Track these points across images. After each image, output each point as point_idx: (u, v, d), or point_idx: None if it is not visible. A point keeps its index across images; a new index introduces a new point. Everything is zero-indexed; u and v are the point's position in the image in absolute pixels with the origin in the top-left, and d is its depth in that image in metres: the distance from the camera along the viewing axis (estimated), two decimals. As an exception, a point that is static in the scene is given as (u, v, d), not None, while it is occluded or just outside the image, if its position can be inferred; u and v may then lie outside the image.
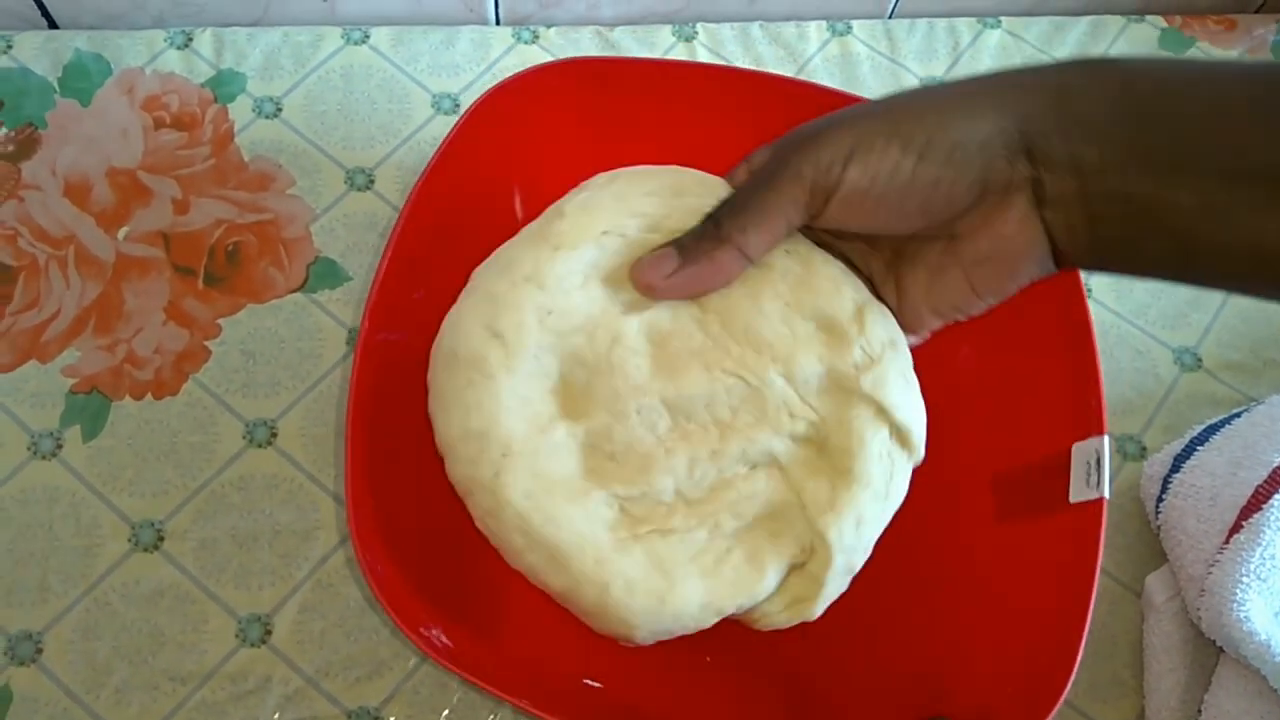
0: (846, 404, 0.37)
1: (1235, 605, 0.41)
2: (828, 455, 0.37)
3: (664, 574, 0.36)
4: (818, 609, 0.37)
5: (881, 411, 0.37)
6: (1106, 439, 0.41)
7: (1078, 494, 0.40)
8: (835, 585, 0.37)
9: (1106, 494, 0.40)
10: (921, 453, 0.39)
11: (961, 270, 0.36)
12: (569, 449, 0.37)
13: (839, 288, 0.38)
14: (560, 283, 0.37)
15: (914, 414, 0.38)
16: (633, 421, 0.37)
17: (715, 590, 0.36)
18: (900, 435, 0.38)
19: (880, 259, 0.39)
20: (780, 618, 0.37)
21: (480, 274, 0.39)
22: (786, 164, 0.35)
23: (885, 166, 0.33)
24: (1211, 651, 0.44)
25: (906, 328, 0.39)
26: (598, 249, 0.37)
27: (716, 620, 0.37)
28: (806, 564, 0.37)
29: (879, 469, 0.37)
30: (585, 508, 0.36)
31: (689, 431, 0.37)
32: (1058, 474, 0.42)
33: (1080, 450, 0.41)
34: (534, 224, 0.39)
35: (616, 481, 0.37)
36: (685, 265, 0.36)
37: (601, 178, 0.39)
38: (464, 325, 0.37)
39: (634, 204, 0.38)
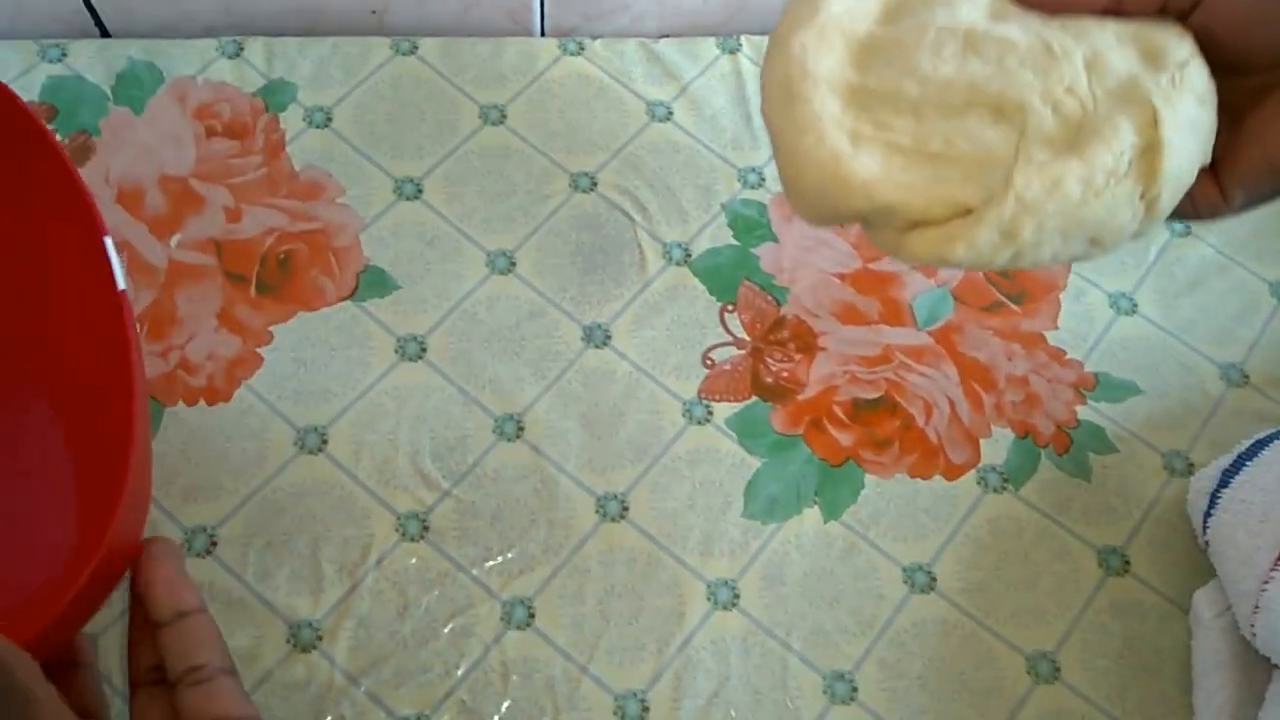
0: (1124, 112, 0.35)
1: (1267, 598, 0.40)
2: (1072, 143, 0.35)
3: (860, 138, 0.35)
4: (959, 257, 0.35)
5: (1151, 123, 0.34)
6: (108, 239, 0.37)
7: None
8: (988, 235, 0.35)
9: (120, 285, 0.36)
10: (1163, 206, 0.35)
11: None
12: (865, 29, 0.37)
13: (1183, 40, 0.35)
14: None
15: (1178, 154, 0.35)
16: (928, 32, 0.36)
17: (888, 175, 0.35)
18: (1151, 160, 0.35)
19: (1236, 101, 0.36)
20: (921, 249, 0.36)
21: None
22: None
23: None
24: (1264, 667, 0.44)
25: (1229, 177, 0.36)
26: None
27: (870, 209, 0.35)
28: (977, 211, 0.35)
29: (1105, 164, 0.34)
30: (839, 74, 0.36)
31: (967, 60, 0.36)
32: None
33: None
34: None
35: (875, 74, 0.36)
36: None
37: None
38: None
39: None
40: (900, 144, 0.35)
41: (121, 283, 0.36)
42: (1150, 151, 0.34)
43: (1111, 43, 0.36)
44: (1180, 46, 0.35)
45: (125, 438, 0.33)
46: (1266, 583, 0.43)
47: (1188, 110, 0.34)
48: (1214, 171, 0.36)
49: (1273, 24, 0.33)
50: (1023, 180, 0.34)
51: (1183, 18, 0.35)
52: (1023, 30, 0.36)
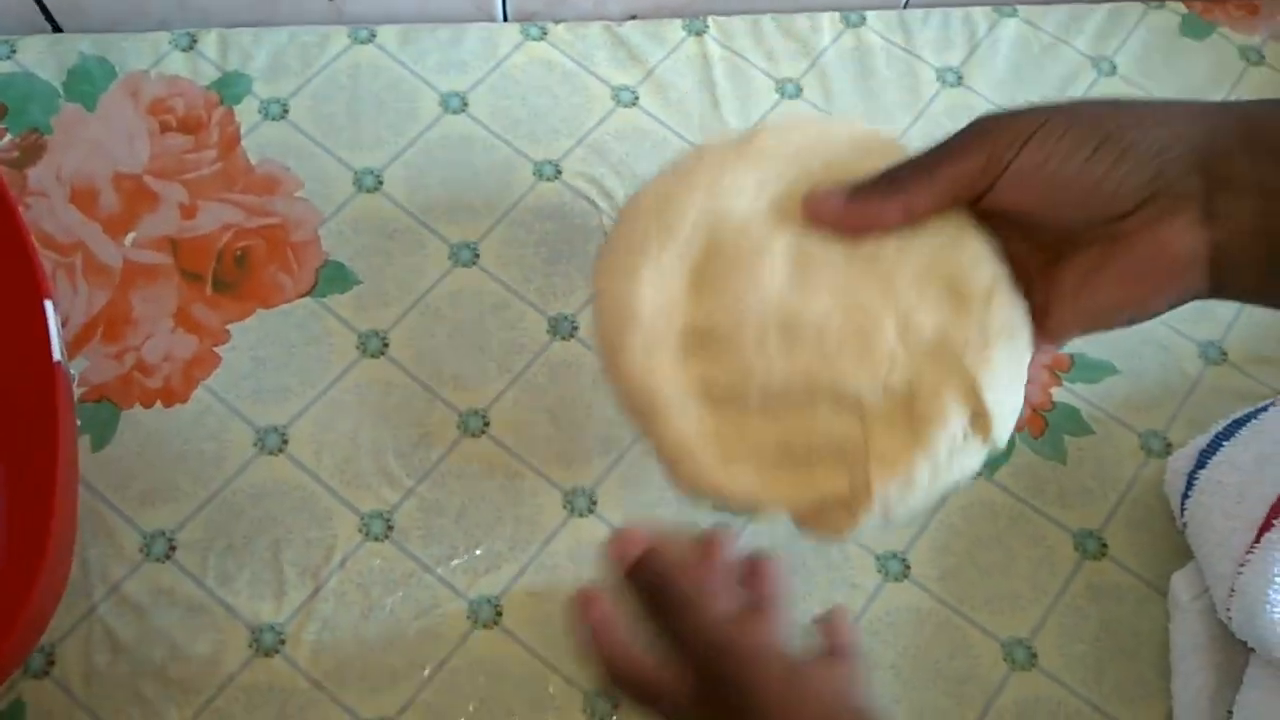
0: (945, 372, 0.37)
1: (1269, 607, 0.40)
2: (910, 415, 0.37)
3: (729, 449, 0.37)
4: (845, 537, 0.40)
5: (973, 393, 0.37)
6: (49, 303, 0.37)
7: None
8: (864, 525, 0.38)
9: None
10: (1001, 444, 0.38)
11: (1115, 275, 0.35)
12: (681, 321, 0.38)
13: (979, 263, 0.38)
14: (732, 188, 0.39)
15: (1004, 407, 0.38)
16: (746, 322, 0.38)
17: (764, 484, 0.38)
18: (981, 422, 0.37)
19: (1037, 258, 0.38)
20: (811, 537, 0.38)
21: (660, 178, 0.40)
22: (969, 136, 0.36)
23: (1060, 150, 0.34)
24: (1241, 650, 0.43)
25: (1048, 333, 0.38)
26: (778, 172, 0.39)
27: (751, 510, 0.39)
28: (850, 501, 0.38)
29: (945, 445, 0.37)
30: (683, 373, 0.38)
31: (792, 351, 0.38)
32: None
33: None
34: (726, 139, 0.41)
35: (714, 365, 0.38)
36: (851, 203, 0.37)
37: (805, 118, 0.42)
38: (639, 216, 0.39)
39: (826, 147, 0.40)
40: (766, 448, 0.37)
41: (58, 354, 0.35)
42: (980, 415, 0.37)
43: (913, 299, 0.37)
44: (979, 271, 0.37)
45: (44, 523, 0.32)
46: (1242, 566, 0.42)
47: (1001, 360, 0.37)
48: (1036, 320, 0.38)
49: (1069, 190, 0.34)
50: (880, 487, 0.37)
51: (976, 202, 0.37)
52: (830, 294, 0.37)
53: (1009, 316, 0.38)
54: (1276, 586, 0.40)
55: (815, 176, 0.39)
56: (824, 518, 0.38)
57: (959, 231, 0.38)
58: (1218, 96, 0.58)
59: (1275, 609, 0.40)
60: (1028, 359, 0.38)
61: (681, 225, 0.38)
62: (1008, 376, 0.38)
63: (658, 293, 0.38)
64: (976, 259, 0.38)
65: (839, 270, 0.38)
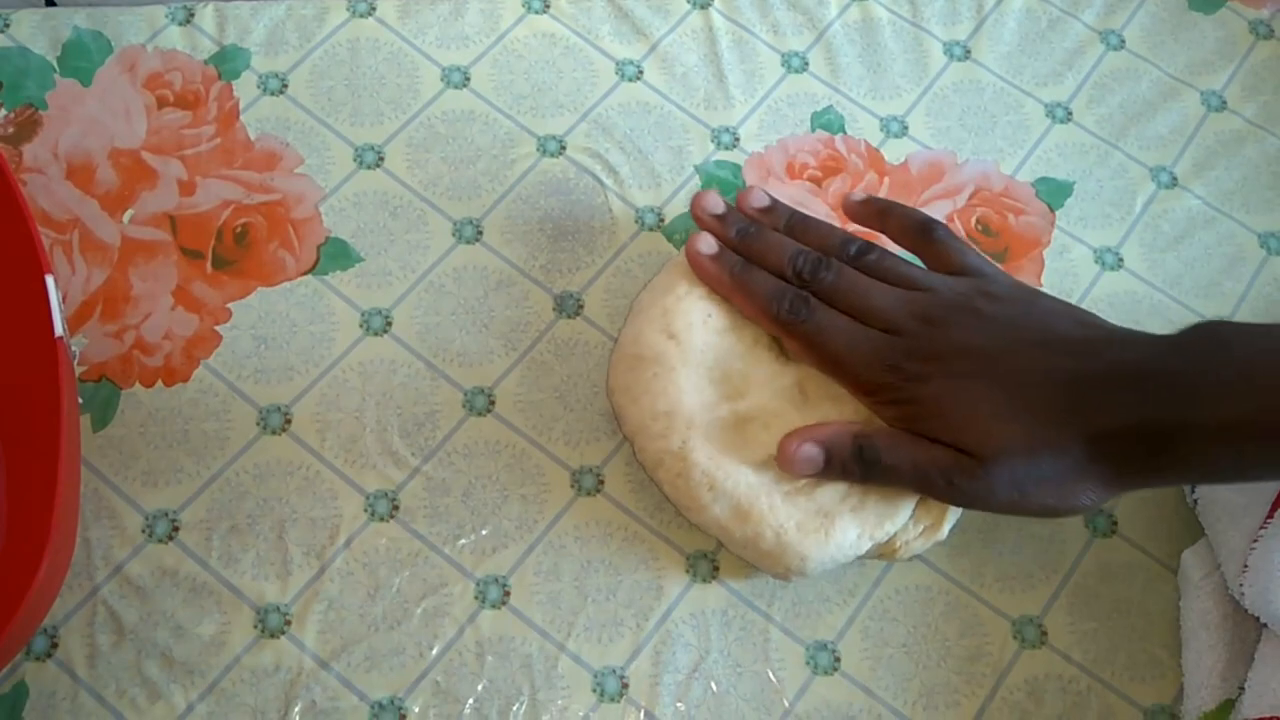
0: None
1: (1271, 577, 0.39)
2: None
3: (824, 515, 0.42)
4: (944, 530, 0.43)
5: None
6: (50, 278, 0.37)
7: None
8: (954, 511, 0.43)
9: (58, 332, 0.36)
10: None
11: None
12: (732, 423, 0.44)
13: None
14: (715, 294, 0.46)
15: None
16: (775, 399, 0.44)
17: (866, 522, 0.42)
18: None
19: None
20: (917, 544, 0.43)
21: (646, 297, 0.47)
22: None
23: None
24: (1253, 627, 0.43)
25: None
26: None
27: (869, 548, 0.42)
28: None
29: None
30: (754, 467, 0.43)
31: (820, 404, 0.44)
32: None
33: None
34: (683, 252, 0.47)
35: (770, 449, 0.43)
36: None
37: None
38: (645, 333, 0.45)
39: None
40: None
41: (59, 329, 0.34)
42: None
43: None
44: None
45: (48, 502, 0.32)
46: (1255, 541, 0.42)
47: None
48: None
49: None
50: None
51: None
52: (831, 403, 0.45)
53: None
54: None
55: None
56: (921, 526, 0.43)
57: None
58: (1227, 71, 0.57)
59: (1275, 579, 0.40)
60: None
61: (692, 339, 0.44)
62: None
63: (697, 401, 0.44)
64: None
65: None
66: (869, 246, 0.45)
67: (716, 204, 0.46)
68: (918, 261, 0.45)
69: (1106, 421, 0.38)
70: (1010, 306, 0.42)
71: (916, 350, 0.41)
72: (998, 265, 0.45)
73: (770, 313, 0.43)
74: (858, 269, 0.44)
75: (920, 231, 0.45)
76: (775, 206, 0.47)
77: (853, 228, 0.49)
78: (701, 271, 0.45)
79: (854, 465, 0.41)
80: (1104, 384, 0.39)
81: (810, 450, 0.41)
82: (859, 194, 0.48)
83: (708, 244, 0.45)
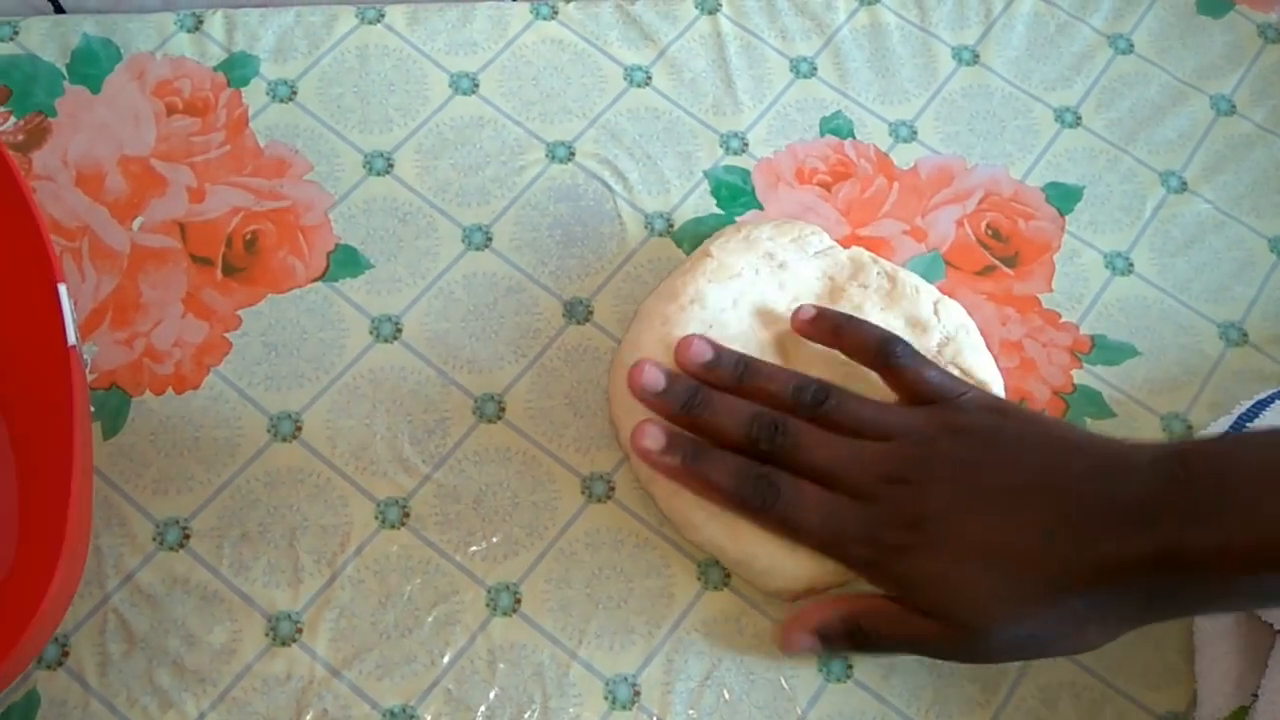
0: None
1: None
2: None
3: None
4: None
5: (963, 374, 0.46)
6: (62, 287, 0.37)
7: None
8: None
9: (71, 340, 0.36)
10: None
11: None
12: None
13: (918, 292, 0.48)
14: (717, 304, 0.46)
15: (990, 373, 0.47)
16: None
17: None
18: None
19: None
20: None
21: (649, 303, 0.47)
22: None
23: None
24: (1266, 634, 0.43)
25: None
26: (740, 281, 0.47)
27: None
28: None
29: None
30: None
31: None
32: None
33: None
34: (689, 260, 0.49)
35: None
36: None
37: (735, 228, 0.49)
38: (643, 341, 0.45)
39: (762, 247, 0.48)
40: None
41: (72, 338, 0.34)
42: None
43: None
44: (924, 308, 0.48)
45: (61, 511, 0.32)
46: (1270, 548, 0.41)
47: (968, 345, 0.48)
48: None
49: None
50: None
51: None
52: (824, 365, 0.46)
53: (958, 315, 0.48)
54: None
55: (767, 275, 0.47)
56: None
57: (891, 275, 0.48)
58: (1236, 74, 0.57)
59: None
60: (982, 339, 0.48)
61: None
62: (977, 352, 0.47)
63: None
64: (914, 288, 0.48)
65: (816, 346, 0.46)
66: (823, 393, 0.42)
67: (656, 380, 0.43)
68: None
69: (1092, 572, 0.37)
70: (978, 445, 0.40)
71: (892, 518, 0.40)
72: (962, 380, 0.44)
73: (735, 501, 0.42)
74: (816, 421, 0.42)
75: (878, 352, 0.43)
76: (719, 357, 0.44)
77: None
78: (654, 467, 0.42)
79: (849, 645, 0.41)
80: (1090, 528, 0.37)
81: (806, 640, 0.41)
82: (809, 309, 0.45)
83: (653, 438, 0.42)
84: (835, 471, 0.41)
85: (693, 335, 0.44)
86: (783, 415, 0.42)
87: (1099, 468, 0.38)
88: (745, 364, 0.44)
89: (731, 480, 0.41)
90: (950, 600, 0.38)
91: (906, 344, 0.43)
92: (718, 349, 0.44)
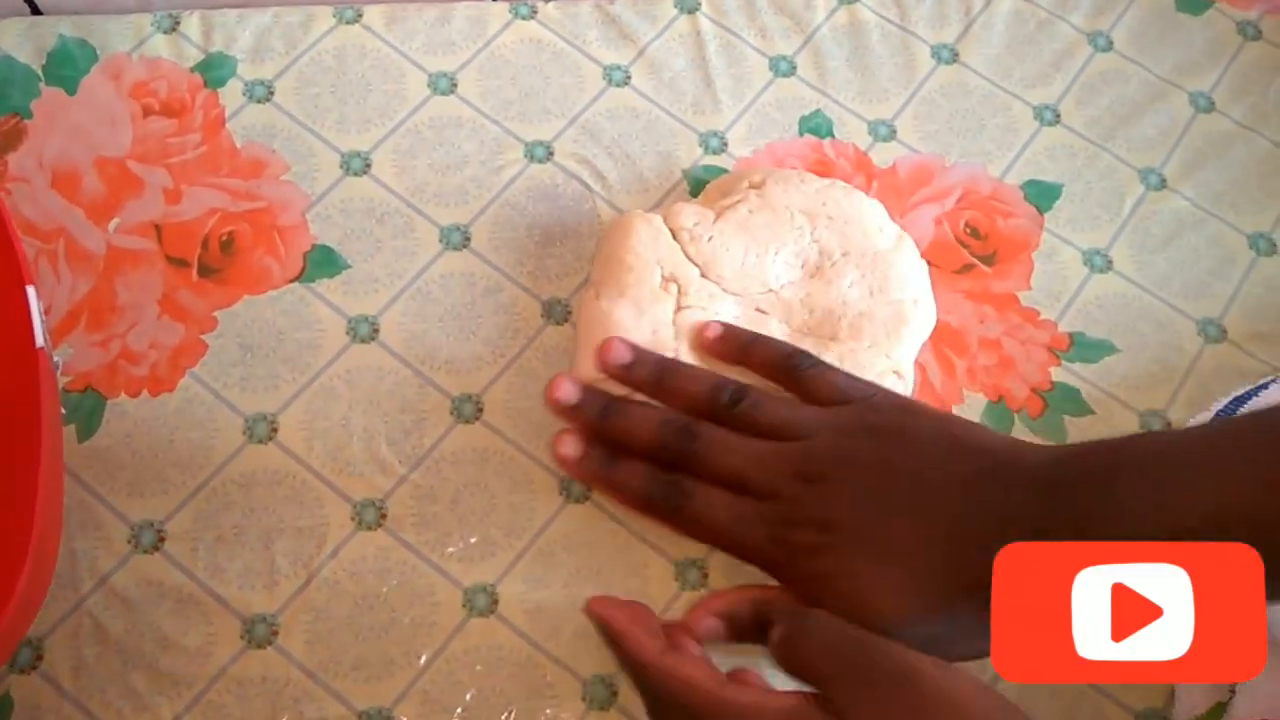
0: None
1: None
2: None
3: None
4: None
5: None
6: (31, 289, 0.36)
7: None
8: None
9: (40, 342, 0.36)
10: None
11: None
12: None
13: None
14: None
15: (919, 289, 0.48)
16: None
17: None
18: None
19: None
20: None
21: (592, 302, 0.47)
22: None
23: None
24: (1244, 632, 0.43)
25: None
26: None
27: None
28: None
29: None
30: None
31: None
32: None
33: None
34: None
35: None
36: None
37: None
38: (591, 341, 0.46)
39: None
40: None
41: (40, 339, 0.34)
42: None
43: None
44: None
45: (28, 513, 0.32)
46: (1246, 544, 0.41)
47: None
48: None
49: None
50: None
51: None
52: None
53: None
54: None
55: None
56: None
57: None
58: (1215, 72, 0.57)
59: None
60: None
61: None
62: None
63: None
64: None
65: None
66: (738, 394, 0.42)
67: (570, 393, 0.44)
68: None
69: (978, 580, 0.35)
70: (887, 443, 0.40)
71: (797, 517, 0.39)
72: (871, 383, 0.44)
73: (647, 506, 0.41)
74: (730, 423, 0.42)
75: (784, 366, 0.43)
76: (637, 360, 0.44)
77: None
78: (572, 475, 0.43)
79: (755, 637, 0.39)
80: (978, 534, 0.37)
81: (711, 624, 0.40)
82: (715, 327, 0.44)
83: (570, 446, 0.43)
84: (743, 473, 0.40)
85: (613, 338, 0.44)
86: (693, 420, 0.42)
87: (990, 471, 0.39)
88: (663, 366, 0.44)
89: (641, 485, 0.42)
90: (854, 600, 0.38)
91: (810, 355, 0.44)
92: (637, 352, 0.44)
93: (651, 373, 0.44)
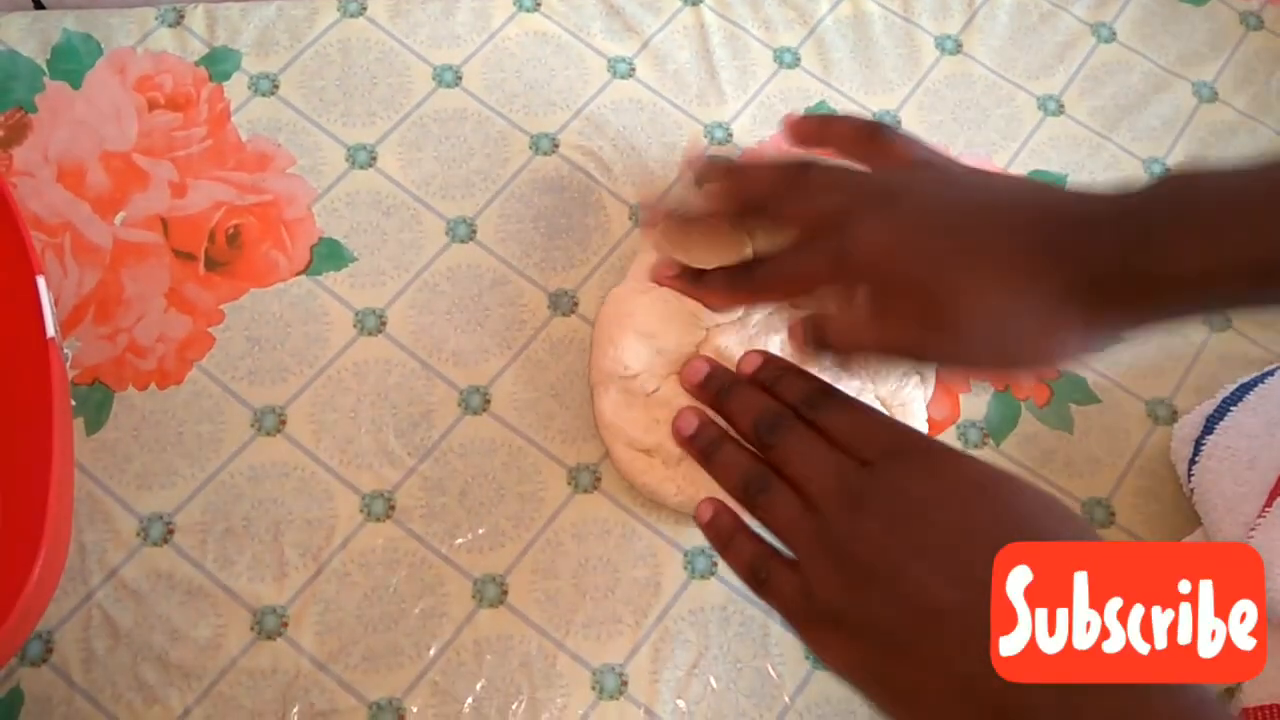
0: None
1: (1272, 575, 0.39)
2: None
3: None
4: None
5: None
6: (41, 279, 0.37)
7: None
8: None
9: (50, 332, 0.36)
10: None
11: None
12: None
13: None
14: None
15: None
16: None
17: None
18: None
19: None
20: None
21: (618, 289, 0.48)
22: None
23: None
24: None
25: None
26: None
27: None
28: None
29: None
30: None
31: None
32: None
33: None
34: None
35: None
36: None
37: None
38: (613, 327, 0.47)
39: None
40: None
41: (51, 330, 0.34)
42: None
43: None
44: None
45: (40, 505, 0.32)
46: (1253, 530, 0.42)
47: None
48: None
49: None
50: None
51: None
52: None
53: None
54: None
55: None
56: None
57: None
58: (1218, 62, 0.57)
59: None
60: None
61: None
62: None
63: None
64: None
65: None
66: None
67: (700, 370, 0.43)
68: None
69: (1078, 267, 0.36)
70: (967, 184, 0.40)
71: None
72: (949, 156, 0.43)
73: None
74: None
75: (867, 137, 0.43)
76: (766, 363, 0.43)
77: None
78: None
79: (809, 349, 0.40)
80: (1076, 230, 0.37)
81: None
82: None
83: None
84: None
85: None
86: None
87: (1091, 194, 0.38)
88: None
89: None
90: (924, 296, 0.38)
91: (891, 127, 0.43)
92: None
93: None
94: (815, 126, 0.44)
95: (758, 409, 0.41)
